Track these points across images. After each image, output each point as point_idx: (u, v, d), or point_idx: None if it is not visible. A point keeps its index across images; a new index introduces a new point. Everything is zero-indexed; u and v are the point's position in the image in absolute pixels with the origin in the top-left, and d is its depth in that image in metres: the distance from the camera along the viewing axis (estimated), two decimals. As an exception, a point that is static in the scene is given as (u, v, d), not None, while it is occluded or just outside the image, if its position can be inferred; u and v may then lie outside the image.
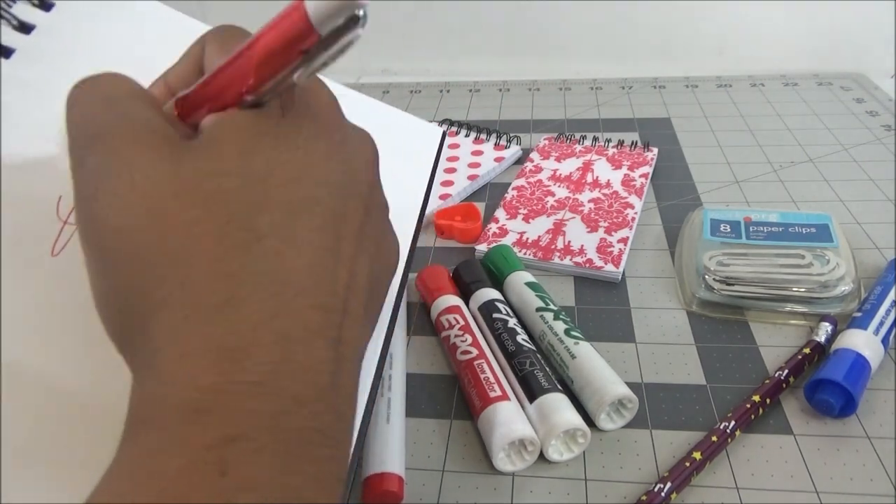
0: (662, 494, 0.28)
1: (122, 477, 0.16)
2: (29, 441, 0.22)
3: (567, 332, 0.36)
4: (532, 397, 0.32)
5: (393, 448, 0.30)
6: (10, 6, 0.26)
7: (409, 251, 0.32)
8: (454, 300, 0.39)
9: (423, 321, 0.41)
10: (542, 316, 0.37)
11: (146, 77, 0.22)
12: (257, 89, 0.19)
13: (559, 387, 0.33)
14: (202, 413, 0.16)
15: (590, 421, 0.32)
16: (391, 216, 0.24)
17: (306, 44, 0.17)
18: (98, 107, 0.19)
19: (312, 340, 0.18)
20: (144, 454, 0.16)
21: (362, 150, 0.22)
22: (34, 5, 0.28)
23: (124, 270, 0.18)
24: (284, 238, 0.18)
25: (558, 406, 0.31)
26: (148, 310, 0.17)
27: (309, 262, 0.18)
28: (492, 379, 0.33)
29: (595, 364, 0.34)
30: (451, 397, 0.35)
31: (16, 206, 0.22)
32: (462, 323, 0.37)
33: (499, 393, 0.32)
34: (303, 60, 0.18)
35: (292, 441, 0.16)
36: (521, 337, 0.36)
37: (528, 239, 0.47)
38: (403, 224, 0.27)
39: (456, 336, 0.36)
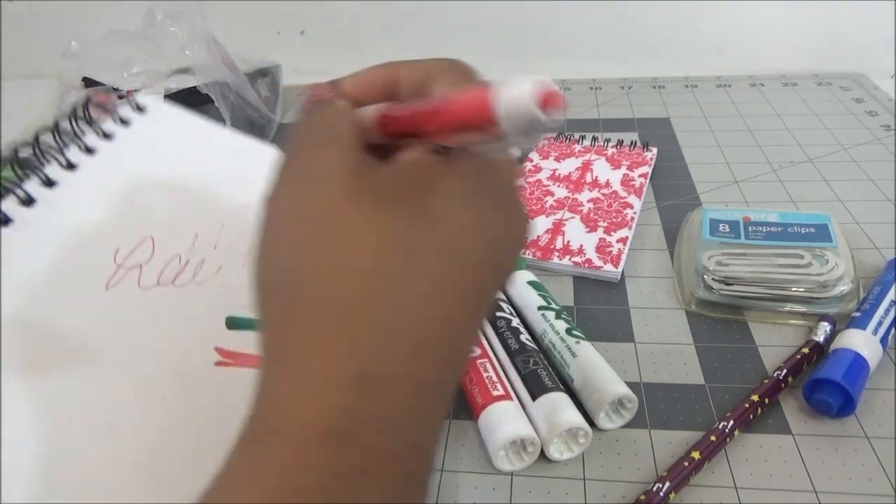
0: (661, 494, 0.28)
1: (251, 485, 0.16)
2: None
3: (568, 331, 0.36)
4: (534, 396, 0.32)
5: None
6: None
7: None
8: (454, 300, 0.39)
9: (422, 321, 0.41)
10: (543, 315, 0.38)
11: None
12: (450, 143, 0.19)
13: (561, 386, 0.33)
14: (339, 437, 0.16)
15: (589, 420, 0.32)
16: None
17: (490, 131, 0.17)
18: (308, 124, 0.22)
19: (435, 391, 0.18)
20: (278, 468, 0.16)
21: (524, 229, 0.22)
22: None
23: (282, 250, 0.18)
24: (435, 284, 0.18)
25: (560, 405, 0.32)
26: (295, 297, 0.18)
27: (450, 316, 0.18)
28: (494, 378, 0.33)
29: (595, 363, 0.34)
30: (450, 397, 0.35)
31: (83, 251, 0.30)
32: (462, 323, 0.37)
33: (500, 392, 0.32)
34: (488, 141, 0.18)
35: (402, 485, 0.17)
36: (524, 336, 0.36)
37: (527, 239, 0.47)
38: None
39: (456, 336, 0.37)
